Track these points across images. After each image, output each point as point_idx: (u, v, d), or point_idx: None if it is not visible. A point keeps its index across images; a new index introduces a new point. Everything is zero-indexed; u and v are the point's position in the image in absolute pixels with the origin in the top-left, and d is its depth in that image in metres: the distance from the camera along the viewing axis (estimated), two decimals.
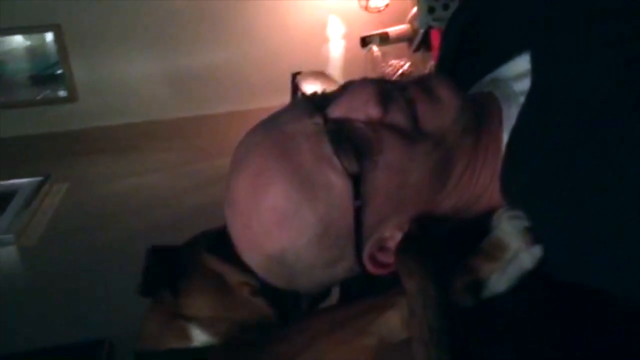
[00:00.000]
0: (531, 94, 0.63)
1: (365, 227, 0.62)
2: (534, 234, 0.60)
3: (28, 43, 2.38)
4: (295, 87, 0.57)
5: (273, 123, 0.64)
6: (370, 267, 0.65)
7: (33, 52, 2.39)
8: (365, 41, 2.19)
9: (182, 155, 2.14)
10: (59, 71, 2.36)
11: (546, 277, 0.60)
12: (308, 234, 0.62)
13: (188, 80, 2.40)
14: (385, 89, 0.62)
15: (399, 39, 2.18)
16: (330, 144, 0.60)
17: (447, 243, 0.69)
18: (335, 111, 0.62)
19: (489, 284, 0.62)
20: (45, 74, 2.40)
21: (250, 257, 0.65)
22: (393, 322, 0.61)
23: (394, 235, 0.64)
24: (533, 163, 0.60)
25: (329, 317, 0.67)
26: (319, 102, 0.63)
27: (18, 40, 2.36)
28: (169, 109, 2.41)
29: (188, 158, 2.11)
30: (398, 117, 0.61)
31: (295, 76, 0.56)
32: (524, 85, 0.65)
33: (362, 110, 0.61)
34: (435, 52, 2.02)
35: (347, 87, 0.64)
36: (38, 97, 2.40)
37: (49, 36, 2.33)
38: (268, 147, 0.62)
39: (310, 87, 0.62)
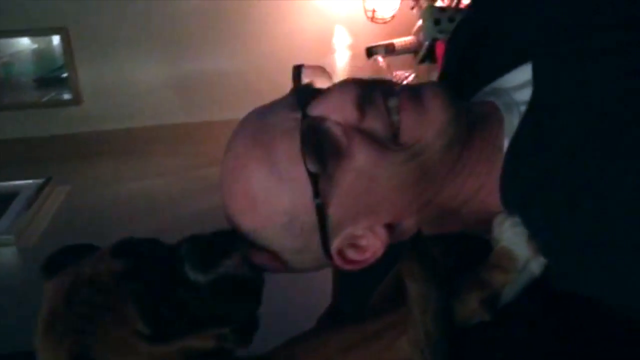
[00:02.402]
0: (533, 103, 0.64)
1: (330, 224, 0.64)
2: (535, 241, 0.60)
3: (35, 46, 2.39)
4: (296, 79, 0.59)
5: (262, 112, 0.68)
6: (338, 262, 0.67)
7: (39, 55, 2.40)
8: (370, 52, 2.19)
9: (186, 160, 2.15)
10: (65, 74, 2.37)
11: (548, 284, 0.61)
12: (274, 221, 0.64)
13: (194, 86, 2.41)
14: (367, 94, 0.64)
15: (405, 50, 2.19)
16: (300, 141, 0.62)
17: (447, 250, 0.69)
18: (315, 109, 0.64)
19: (502, 295, 0.62)
20: (51, 77, 2.41)
21: (239, 231, 0.68)
22: (406, 347, 0.61)
23: (366, 235, 0.65)
24: (532, 170, 0.60)
25: (340, 338, 0.67)
26: (305, 97, 0.65)
27: (25, 43, 2.38)
28: (173, 114, 2.42)
29: (192, 163, 2.11)
30: (375, 124, 0.62)
31: (297, 69, 0.58)
32: (525, 95, 0.65)
33: (339, 111, 0.63)
34: (440, 64, 2.03)
35: (335, 86, 0.66)
36: (43, 100, 2.41)
37: (56, 39, 2.34)
38: (250, 134, 0.66)
39: (308, 80, 0.64)
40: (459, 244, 0.70)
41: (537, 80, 0.65)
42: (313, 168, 0.61)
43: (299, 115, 0.63)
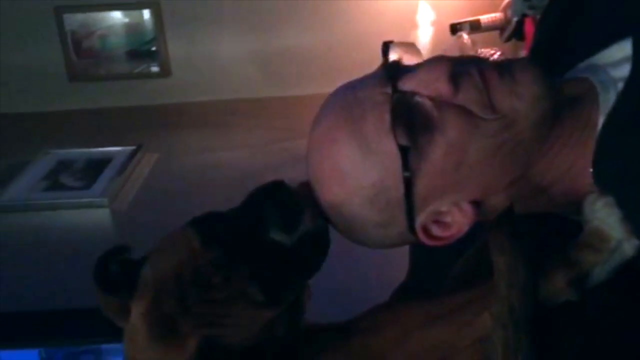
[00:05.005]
0: (631, 80, 0.62)
1: (416, 198, 0.64)
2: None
3: (127, 19, 2.47)
4: (386, 55, 0.59)
5: (351, 86, 0.69)
6: (422, 238, 0.67)
7: (131, 28, 2.48)
8: (455, 28, 2.16)
9: (267, 134, 2.19)
10: (154, 47, 2.44)
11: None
12: (361, 194, 0.65)
13: (276, 61, 2.44)
14: (460, 68, 0.63)
15: (491, 27, 2.14)
16: (390, 115, 0.62)
17: (535, 230, 0.69)
18: (407, 83, 0.64)
19: (592, 276, 0.61)
20: (142, 50, 2.49)
21: (320, 201, 0.70)
22: (488, 323, 0.61)
23: (451, 211, 0.65)
24: (629, 149, 0.59)
25: (421, 310, 0.68)
26: (396, 72, 0.66)
27: (117, 16, 2.46)
28: (257, 88, 2.46)
29: (273, 136, 2.15)
30: (469, 96, 0.62)
31: (386, 45, 0.58)
32: (623, 71, 0.64)
33: (432, 86, 0.63)
34: (527, 42, 1.97)
35: (426, 62, 0.66)
36: (134, 71, 2.50)
37: (146, 13, 2.41)
38: (340, 108, 0.67)
39: (398, 56, 0.64)
40: (546, 224, 0.70)
41: (638, 55, 0.63)
42: (403, 141, 0.62)
43: (389, 89, 0.64)
